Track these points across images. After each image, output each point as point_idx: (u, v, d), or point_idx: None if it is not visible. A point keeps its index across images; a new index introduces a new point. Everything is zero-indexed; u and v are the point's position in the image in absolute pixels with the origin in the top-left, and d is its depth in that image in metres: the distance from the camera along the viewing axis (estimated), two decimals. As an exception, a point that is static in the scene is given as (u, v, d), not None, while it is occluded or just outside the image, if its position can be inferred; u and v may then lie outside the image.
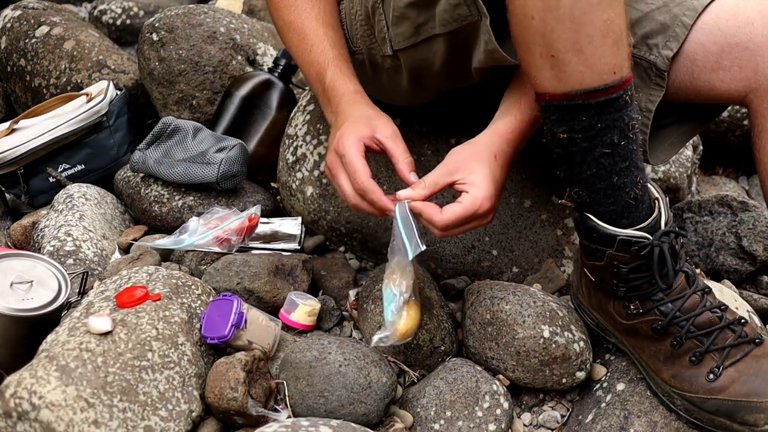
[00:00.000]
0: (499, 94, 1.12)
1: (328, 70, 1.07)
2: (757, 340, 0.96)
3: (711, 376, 0.95)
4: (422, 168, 1.31)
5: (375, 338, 1.03)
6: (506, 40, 0.94)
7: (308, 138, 1.39)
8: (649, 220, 0.96)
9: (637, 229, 0.95)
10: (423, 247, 0.96)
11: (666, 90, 1.05)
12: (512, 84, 1.07)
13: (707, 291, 0.99)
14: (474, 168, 0.98)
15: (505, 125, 1.03)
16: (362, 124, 1.01)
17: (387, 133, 1.01)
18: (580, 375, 1.07)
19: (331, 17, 1.13)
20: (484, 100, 1.29)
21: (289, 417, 0.97)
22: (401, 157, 1.00)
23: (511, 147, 1.03)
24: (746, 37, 0.99)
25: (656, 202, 0.98)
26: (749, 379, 0.93)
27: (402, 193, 0.99)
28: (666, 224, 0.96)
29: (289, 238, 1.36)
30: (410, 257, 0.97)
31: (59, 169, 1.51)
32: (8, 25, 1.80)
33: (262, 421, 0.96)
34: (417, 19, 1.02)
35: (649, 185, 0.98)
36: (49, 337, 0.96)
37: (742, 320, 0.98)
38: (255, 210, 1.27)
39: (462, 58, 1.05)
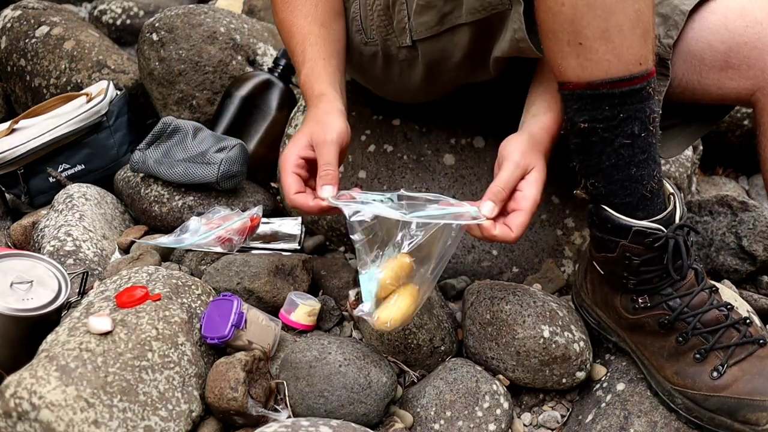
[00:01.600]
0: (503, 95, 1.11)
1: (303, 69, 1.07)
2: (761, 341, 0.96)
3: (715, 374, 0.95)
4: (422, 168, 1.31)
5: (357, 309, 0.95)
6: (529, 33, 0.94)
7: (308, 138, 1.39)
8: (665, 213, 0.96)
9: (652, 221, 0.95)
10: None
11: (674, 89, 1.06)
12: (539, 82, 1.07)
13: (714, 290, 1.00)
14: (534, 162, 0.99)
15: (548, 120, 1.03)
16: (305, 132, 1.01)
17: (319, 139, 0.99)
18: (580, 375, 1.07)
19: (323, 14, 1.11)
20: (486, 100, 1.29)
21: (289, 417, 0.97)
22: (321, 168, 0.98)
23: (553, 143, 1.03)
24: (755, 37, 1.00)
25: (672, 197, 0.98)
26: (753, 378, 0.93)
27: (485, 210, 0.95)
28: (681, 219, 0.97)
29: (289, 238, 1.36)
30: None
31: (59, 169, 1.50)
32: (8, 25, 1.80)
33: (262, 421, 0.95)
34: (443, 8, 1.02)
35: (664, 181, 0.99)
36: (49, 337, 0.96)
37: (747, 320, 0.98)
38: (257, 210, 1.27)
39: (483, 50, 1.05)
